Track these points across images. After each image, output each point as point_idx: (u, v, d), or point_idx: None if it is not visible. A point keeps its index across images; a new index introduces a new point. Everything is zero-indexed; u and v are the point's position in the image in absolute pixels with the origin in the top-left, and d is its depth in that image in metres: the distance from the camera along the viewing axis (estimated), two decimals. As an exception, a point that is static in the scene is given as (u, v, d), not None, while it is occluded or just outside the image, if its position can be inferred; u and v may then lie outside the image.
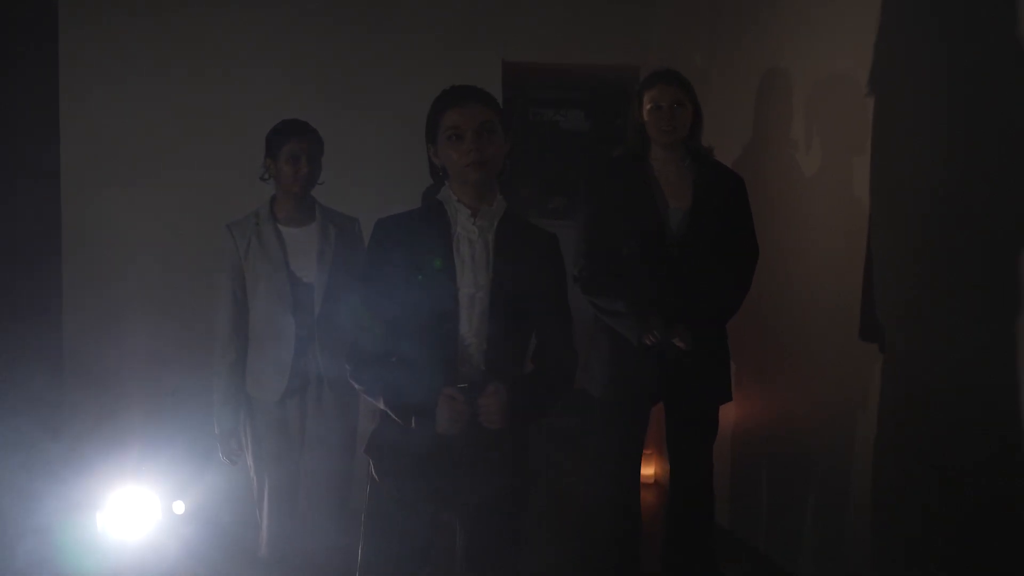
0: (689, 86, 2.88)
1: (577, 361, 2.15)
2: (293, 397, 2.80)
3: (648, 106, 2.86)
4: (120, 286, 4.09)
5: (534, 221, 2.19)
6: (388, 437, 2.07)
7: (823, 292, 3.14)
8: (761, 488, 3.54)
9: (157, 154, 4.11)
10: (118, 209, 4.07)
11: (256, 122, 3.07)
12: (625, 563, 3.02)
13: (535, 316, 2.07)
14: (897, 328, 2.76)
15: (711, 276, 2.85)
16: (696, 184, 2.87)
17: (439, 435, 1.96)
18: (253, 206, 2.88)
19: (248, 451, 2.86)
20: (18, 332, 3.37)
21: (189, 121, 4.14)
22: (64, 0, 4.08)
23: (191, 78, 4.15)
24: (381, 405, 2.02)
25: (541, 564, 3.31)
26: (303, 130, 2.80)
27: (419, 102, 2.09)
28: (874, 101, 2.86)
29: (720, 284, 2.87)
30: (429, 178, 2.13)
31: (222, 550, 3.36)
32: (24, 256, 3.76)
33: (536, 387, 2.08)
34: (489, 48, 4.36)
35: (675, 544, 3.06)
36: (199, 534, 3.42)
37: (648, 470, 4.37)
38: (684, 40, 4.21)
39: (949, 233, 2.53)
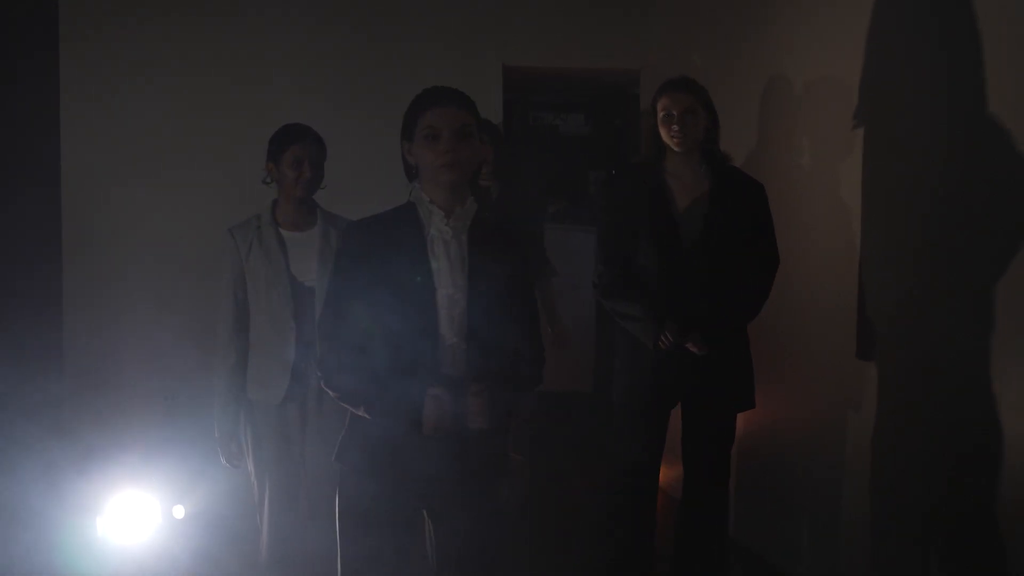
0: (702, 92, 2.88)
1: (545, 357, 2.17)
2: (294, 400, 2.80)
3: (661, 114, 2.87)
4: (120, 286, 4.09)
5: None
6: (368, 441, 2.04)
7: (823, 293, 3.14)
8: (760, 490, 3.54)
9: (157, 154, 4.11)
10: (118, 209, 4.07)
11: (257, 124, 3.07)
12: (638, 567, 3.02)
13: (508, 314, 2.07)
14: (897, 328, 2.76)
15: (727, 282, 2.85)
16: (712, 190, 2.88)
17: (423, 436, 1.95)
18: (254, 207, 2.88)
19: (248, 455, 2.86)
20: (18, 332, 3.35)
21: (189, 121, 4.13)
22: (65, 0, 4.08)
23: (192, 78, 4.15)
24: (360, 411, 2.01)
25: (547, 567, 3.31)
26: (306, 134, 2.80)
27: (420, 106, 2.09)
28: (874, 101, 2.86)
29: (736, 290, 2.87)
30: None
31: (223, 554, 3.34)
32: (24, 256, 3.75)
33: (517, 385, 2.09)
34: (489, 51, 4.36)
35: (685, 550, 3.05)
36: (200, 538, 3.40)
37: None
38: (684, 42, 4.21)
39: (949, 233, 2.53)
